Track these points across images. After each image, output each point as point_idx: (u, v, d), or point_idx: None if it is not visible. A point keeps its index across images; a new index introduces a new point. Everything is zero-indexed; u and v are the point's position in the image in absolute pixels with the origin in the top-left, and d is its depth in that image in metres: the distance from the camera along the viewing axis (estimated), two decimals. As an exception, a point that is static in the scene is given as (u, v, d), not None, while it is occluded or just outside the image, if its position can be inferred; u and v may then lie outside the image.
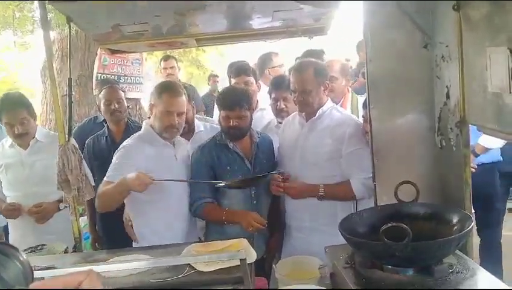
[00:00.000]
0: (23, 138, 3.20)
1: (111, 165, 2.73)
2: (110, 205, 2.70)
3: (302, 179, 2.84)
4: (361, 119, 2.84)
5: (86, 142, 3.60)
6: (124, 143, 2.85)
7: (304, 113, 2.91)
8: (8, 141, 3.30)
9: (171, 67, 5.78)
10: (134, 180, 2.46)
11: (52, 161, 3.20)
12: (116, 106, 3.53)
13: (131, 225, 2.80)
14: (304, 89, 2.78)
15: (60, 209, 3.21)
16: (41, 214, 3.18)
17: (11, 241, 3.28)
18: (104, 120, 3.78)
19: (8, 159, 3.29)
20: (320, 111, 2.84)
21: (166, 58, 5.88)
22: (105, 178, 2.67)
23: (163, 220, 2.81)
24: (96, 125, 3.96)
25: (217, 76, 9.70)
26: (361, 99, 3.48)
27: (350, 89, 3.57)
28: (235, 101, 2.81)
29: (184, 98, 2.83)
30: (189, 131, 3.21)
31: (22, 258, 0.53)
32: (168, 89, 2.82)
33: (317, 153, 2.81)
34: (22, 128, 3.14)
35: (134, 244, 2.87)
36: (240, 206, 2.88)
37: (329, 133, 2.81)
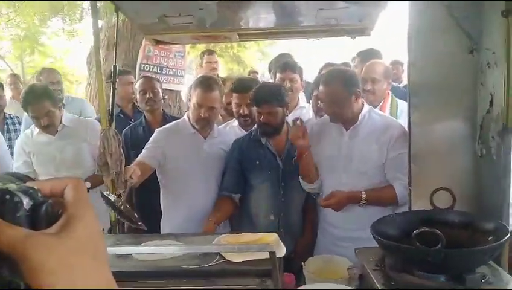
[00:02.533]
0: (49, 128, 3.32)
1: (146, 145, 2.98)
2: None
3: (345, 187, 2.69)
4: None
5: (124, 131, 3.68)
6: (160, 128, 3.12)
7: (338, 123, 2.78)
8: (36, 128, 3.41)
9: (215, 62, 5.83)
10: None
11: (80, 145, 3.37)
12: (151, 95, 3.61)
13: None
14: (333, 101, 2.68)
15: (88, 189, 3.28)
16: None
17: None
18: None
19: (38, 145, 3.40)
20: (360, 117, 2.72)
21: (210, 52, 5.93)
22: (138, 157, 2.90)
23: (186, 210, 2.96)
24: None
25: (256, 72, 9.73)
26: (400, 103, 3.44)
27: (390, 93, 3.51)
28: (265, 97, 2.82)
29: (217, 93, 2.95)
30: None
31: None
32: (202, 83, 2.95)
33: (365, 161, 2.69)
34: (47, 121, 3.26)
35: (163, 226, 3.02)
36: (267, 201, 2.90)
37: (375, 138, 2.69)
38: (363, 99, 2.81)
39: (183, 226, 2.85)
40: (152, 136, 3.02)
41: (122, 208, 2.23)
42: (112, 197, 2.24)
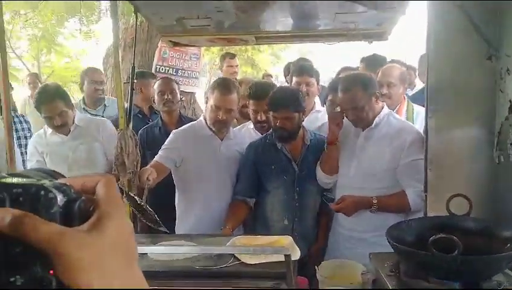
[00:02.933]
0: (62, 128, 3.33)
1: (162, 146, 2.98)
2: None
3: (358, 190, 2.70)
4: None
5: (139, 132, 3.71)
6: (176, 130, 3.12)
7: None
8: (49, 128, 3.41)
9: (236, 66, 5.80)
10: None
11: (93, 144, 3.39)
12: (170, 96, 3.63)
13: None
14: (355, 106, 2.67)
15: None
16: None
17: None
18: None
19: (52, 145, 3.41)
20: (377, 119, 2.72)
21: (231, 56, 5.91)
22: (155, 158, 2.91)
23: (201, 212, 2.96)
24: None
25: (270, 75, 9.74)
26: (416, 107, 3.42)
27: (406, 97, 3.49)
28: (281, 102, 2.81)
29: (235, 95, 2.95)
30: None
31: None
32: (220, 86, 2.95)
33: (376, 163, 2.69)
34: (61, 120, 3.26)
35: (177, 227, 3.03)
36: (281, 206, 2.90)
37: (388, 141, 2.68)
38: (383, 103, 2.81)
39: (197, 228, 2.86)
40: (168, 138, 3.03)
41: (147, 209, 2.25)
42: (138, 199, 2.25)
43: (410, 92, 4.45)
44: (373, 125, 2.72)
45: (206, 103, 3.07)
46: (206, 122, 3.02)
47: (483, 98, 2.20)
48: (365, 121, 2.72)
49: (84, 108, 4.22)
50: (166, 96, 3.63)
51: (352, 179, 2.76)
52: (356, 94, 2.66)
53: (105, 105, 4.27)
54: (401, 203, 2.62)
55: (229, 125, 3.07)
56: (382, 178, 2.68)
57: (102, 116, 4.10)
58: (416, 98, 3.61)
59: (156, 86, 3.77)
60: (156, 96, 3.73)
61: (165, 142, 3.00)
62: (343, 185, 2.81)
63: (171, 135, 3.06)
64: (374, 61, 4.09)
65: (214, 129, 2.99)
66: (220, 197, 2.97)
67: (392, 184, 2.67)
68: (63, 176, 0.57)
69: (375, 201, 2.62)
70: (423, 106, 3.22)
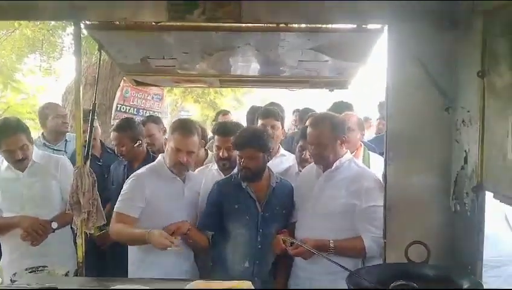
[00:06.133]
0: (23, 162, 3.20)
1: (121, 195, 2.84)
2: (122, 242, 2.88)
3: (312, 229, 2.73)
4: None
5: (111, 166, 3.75)
6: (136, 172, 2.98)
7: (321, 165, 2.86)
8: (4, 163, 3.28)
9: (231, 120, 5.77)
10: (157, 239, 2.55)
11: (50, 182, 3.27)
12: (123, 150, 3.63)
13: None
14: (319, 142, 2.76)
15: (53, 230, 3.17)
16: (32, 235, 3.11)
17: (5, 263, 3.23)
18: None
19: (5, 181, 3.27)
20: (337, 163, 2.78)
21: (225, 113, 5.91)
22: (115, 209, 2.78)
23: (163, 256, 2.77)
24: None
25: (228, 112, 9.72)
26: (372, 155, 3.51)
27: (362, 144, 3.59)
28: (246, 141, 2.82)
29: (195, 138, 2.90)
30: None
31: None
32: (180, 127, 2.89)
33: (331, 205, 2.73)
34: (22, 154, 3.14)
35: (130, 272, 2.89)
36: (243, 248, 2.84)
37: (345, 185, 2.74)
38: (347, 150, 2.88)
39: (153, 274, 2.70)
40: (130, 183, 2.89)
41: None
42: None
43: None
44: (333, 167, 2.78)
45: (165, 144, 3.00)
46: (167, 165, 2.93)
47: (440, 147, 2.27)
48: (325, 160, 2.79)
49: (44, 143, 4.08)
50: (120, 150, 3.62)
51: (310, 220, 2.80)
52: (323, 132, 2.75)
53: (66, 140, 4.15)
54: (357, 248, 2.66)
55: (190, 168, 3.01)
56: (338, 220, 2.72)
57: (65, 151, 4.02)
58: (369, 146, 3.74)
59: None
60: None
61: (125, 189, 2.87)
62: (302, 225, 2.84)
63: (131, 180, 2.91)
64: (340, 108, 4.20)
65: (174, 172, 2.91)
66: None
67: (345, 228, 2.71)
68: None
69: (332, 244, 2.64)
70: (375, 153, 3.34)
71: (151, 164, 3.06)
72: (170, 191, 2.91)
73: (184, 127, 2.90)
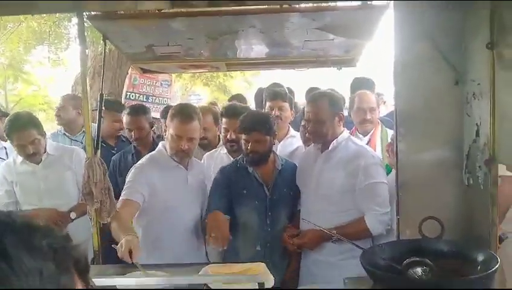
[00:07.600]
0: (34, 156, 3.24)
1: (125, 184, 2.78)
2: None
3: (316, 213, 2.71)
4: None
5: (113, 158, 3.67)
6: (137, 163, 2.91)
7: (319, 145, 2.84)
8: (19, 157, 3.32)
9: None
10: (120, 252, 2.28)
11: (64, 173, 3.33)
12: (137, 134, 3.64)
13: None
14: (317, 119, 2.74)
15: (72, 220, 3.22)
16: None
17: None
18: None
19: (22, 175, 3.32)
20: (334, 143, 2.75)
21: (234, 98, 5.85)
22: (121, 196, 2.71)
23: (168, 240, 2.78)
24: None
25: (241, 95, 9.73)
26: (390, 132, 3.47)
27: (380, 121, 3.55)
28: (252, 125, 2.80)
29: (196, 123, 2.78)
30: None
31: None
32: (180, 113, 2.77)
33: (331, 187, 2.72)
34: (33, 148, 3.18)
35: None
36: (253, 231, 2.85)
37: (342, 165, 2.71)
38: (344, 128, 2.86)
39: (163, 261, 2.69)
40: (132, 172, 2.82)
41: None
42: None
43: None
44: (330, 148, 2.76)
45: (165, 131, 2.90)
46: (168, 153, 2.83)
47: (451, 122, 2.24)
48: (323, 137, 2.77)
49: (64, 134, 4.18)
50: (134, 135, 3.62)
51: (312, 203, 2.80)
52: (321, 107, 2.74)
53: (84, 131, 4.20)
54: (361, 230, 2.65)
55: (192, 154, 2.89)
56: (339, 201, 2.72)
57: (81, 142, 4.05)
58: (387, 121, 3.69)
59: (124, 119, 3.75)
60: (126, 130, 3.74)
61: (129, 178, 2.79)
62: (305, 209, 2.84)
63: (132, 170, 2.84)
64: (360, 83, 4.15)
65: (176, 159, 2.82)
66: (188, 228, 2.87)
67: (348, 208, 2.71)
68: None
69: (334, 233, 2.58)
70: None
71: (152, 153, 2.99)
72: (173, 179, 2.83)
73: (183, 112, 2.77)
